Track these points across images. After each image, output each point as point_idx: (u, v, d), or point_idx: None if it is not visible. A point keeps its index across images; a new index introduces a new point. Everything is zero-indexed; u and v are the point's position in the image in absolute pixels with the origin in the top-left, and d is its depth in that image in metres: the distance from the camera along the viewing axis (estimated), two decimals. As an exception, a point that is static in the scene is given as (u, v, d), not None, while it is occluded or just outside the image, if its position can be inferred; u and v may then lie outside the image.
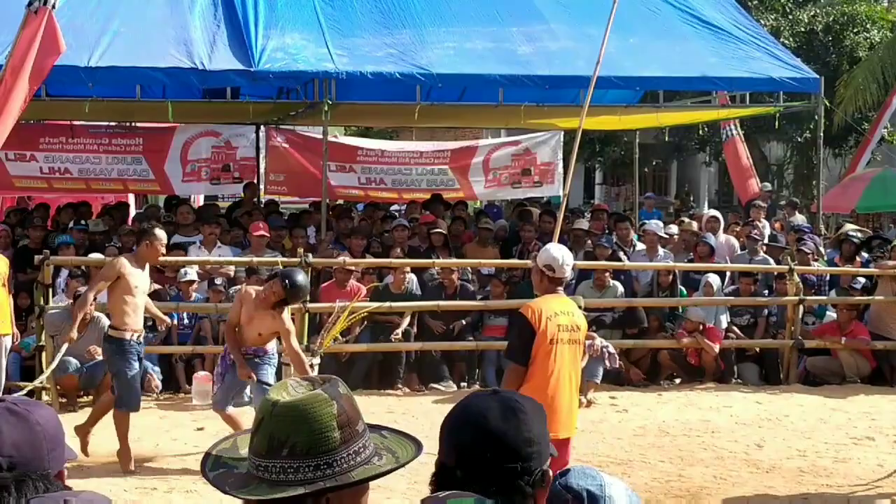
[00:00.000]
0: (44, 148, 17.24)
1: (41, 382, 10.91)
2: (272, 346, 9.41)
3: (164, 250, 9.71)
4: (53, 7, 10.06)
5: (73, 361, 11.62)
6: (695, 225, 15.55)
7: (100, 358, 11.66)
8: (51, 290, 11.98)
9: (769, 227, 16.42)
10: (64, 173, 17.42)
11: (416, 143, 21.00)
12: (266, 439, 2.29)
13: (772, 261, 14.34)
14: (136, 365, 9.42)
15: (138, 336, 9.39)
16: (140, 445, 9.89)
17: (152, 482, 8.87)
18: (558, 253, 6.92)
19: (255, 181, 18.68)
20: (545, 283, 6.87)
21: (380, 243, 14.49)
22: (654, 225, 15.12)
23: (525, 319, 6.65)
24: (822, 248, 15.09)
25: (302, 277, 9.18)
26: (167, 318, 10.64)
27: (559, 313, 6.70)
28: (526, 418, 2.52)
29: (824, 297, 14.21)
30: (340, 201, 19.04)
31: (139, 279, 9.38)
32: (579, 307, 12.19)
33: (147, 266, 9.59)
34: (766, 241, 15.17)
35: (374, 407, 11.34)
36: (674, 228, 15.70)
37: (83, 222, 15.03)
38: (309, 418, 2.30)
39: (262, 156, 19.02)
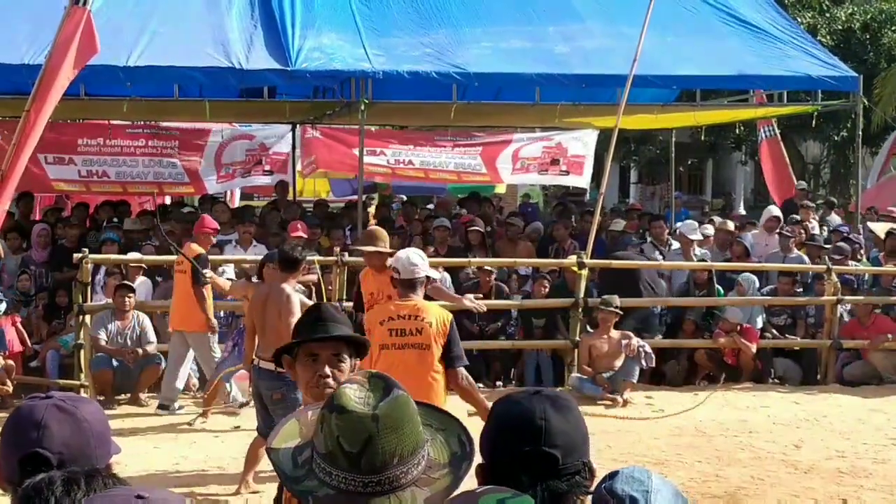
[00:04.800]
0: (82, 150, 17.29)
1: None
2: None
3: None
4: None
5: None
6: (730, 224, 15.40)
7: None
8: (89, 289, 12.04)
9: (817, 227, 16.27)
10: (101, 176, 17.45)
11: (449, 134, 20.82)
12: (379, 455, 2.26)
13: (807, 259, 14.24)
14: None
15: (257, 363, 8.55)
16: (177, 444, 9.98)
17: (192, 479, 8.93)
18: (403, 254, 6.94)
19: (291, 178, 18.66)
20: (395, 287, 6.94)
21: (418, 238, 14.48)
22: (689, 225, 15.01)
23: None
24: (863, 249, 14.93)
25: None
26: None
27: (395, 318, 6.57)
28: (579, 414, 2.52)
29: (861, 297, 14.09)
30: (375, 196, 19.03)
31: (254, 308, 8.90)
32: (615, 306, 12.33)
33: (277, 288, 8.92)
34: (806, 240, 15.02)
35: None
36: (709, 229, 15.58)
37: (114, 220, 15.06)
38: (407, 421, 2.30)
39: (297, 154, 19.01)
